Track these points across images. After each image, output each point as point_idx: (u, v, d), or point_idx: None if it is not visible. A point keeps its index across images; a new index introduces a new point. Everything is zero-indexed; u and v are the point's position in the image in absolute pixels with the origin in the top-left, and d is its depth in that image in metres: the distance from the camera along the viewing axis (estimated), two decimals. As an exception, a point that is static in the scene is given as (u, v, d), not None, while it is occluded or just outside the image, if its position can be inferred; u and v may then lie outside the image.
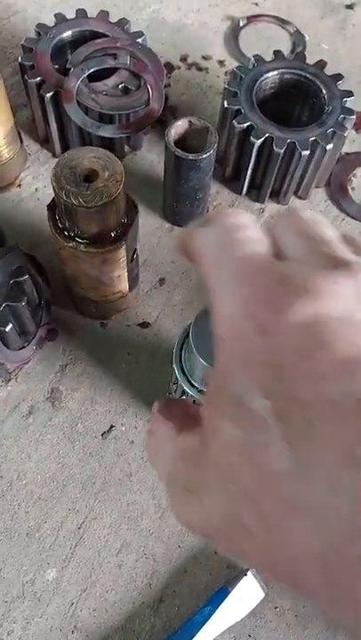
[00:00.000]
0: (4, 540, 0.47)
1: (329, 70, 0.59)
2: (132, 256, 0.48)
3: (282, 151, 0.54)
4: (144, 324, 0.56)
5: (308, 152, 0.54)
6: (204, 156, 0.50)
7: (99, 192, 0.40)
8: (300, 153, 0.54)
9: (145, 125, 0.54)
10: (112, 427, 0.52)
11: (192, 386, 0.40)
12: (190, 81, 0.68)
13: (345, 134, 0.54)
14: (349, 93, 0.56)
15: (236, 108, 0.55)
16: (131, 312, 0.56)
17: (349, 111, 0.55)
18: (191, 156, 0.50)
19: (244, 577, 0.44)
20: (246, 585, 0.44)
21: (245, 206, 0.62)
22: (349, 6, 0.75)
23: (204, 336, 0.37)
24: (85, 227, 0.42)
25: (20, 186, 0.61)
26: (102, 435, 0.51)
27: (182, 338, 0.42)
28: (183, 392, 0.42)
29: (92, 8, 0.70)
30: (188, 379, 0.40)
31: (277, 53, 0.58)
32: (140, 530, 0.48)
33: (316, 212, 0.60)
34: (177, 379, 0.42)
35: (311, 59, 0.69)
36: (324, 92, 0.56)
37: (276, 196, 0.62)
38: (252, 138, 0.54)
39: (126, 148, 0.63)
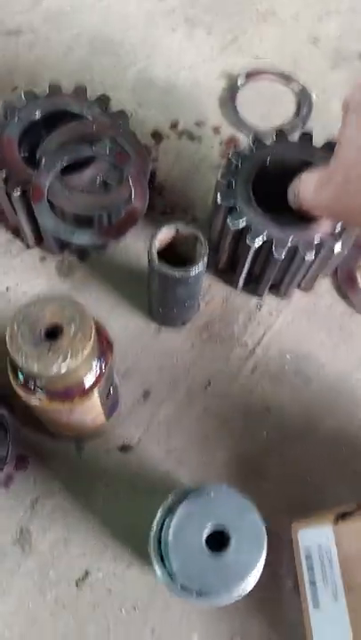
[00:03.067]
0: None
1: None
2: (108, 392, 0.45)
3: (282, 256, 0.50)
4: (125, 448, 0.53)
5: (312, 256, 0.51)
6: (193, 273, 0.47)
7: (63, 354, 0.37)
8: (304, 257, 0.50)
9: (126, 230, 0.51)
10: (87, 573, 0.49)
11: (172, 579, 0.36)
12: (181, 152, 0.65)
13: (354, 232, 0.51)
14: None
15: (231, 205, 0.51)
16: (111, 433, 0.54)
17: None
18: (177, 274, 0.47)
19: None
20: None
21: (241, 300, 0.59)
22: (363, 55, 0.70)
23: (183, 546, 0.34)
24: (49, 385, 0.39)
25: (-12, 284, 0.58)
26: (76, 583, 0.49)
27: (162, 515, 0.38)
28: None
29: (71, 66, 0.66)
30: (165, 568, 0.37)
31: (279, 134, 0.54)
32: None
33: (319, 306, 0.56)
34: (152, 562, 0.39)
35: (319, 120, 0.65)
36: (330, 183, 0.51)
37: (276, 289, 0.59)
38: (248, 241, 0.51)
39: (108, 234, 0.59)
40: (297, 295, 0.60)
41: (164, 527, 0.39)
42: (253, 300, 0.60)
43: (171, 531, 0.35)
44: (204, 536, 0.36)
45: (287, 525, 0.51)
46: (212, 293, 0.60)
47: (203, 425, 0.55)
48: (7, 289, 0.59)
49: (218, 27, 0.74)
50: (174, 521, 0.36)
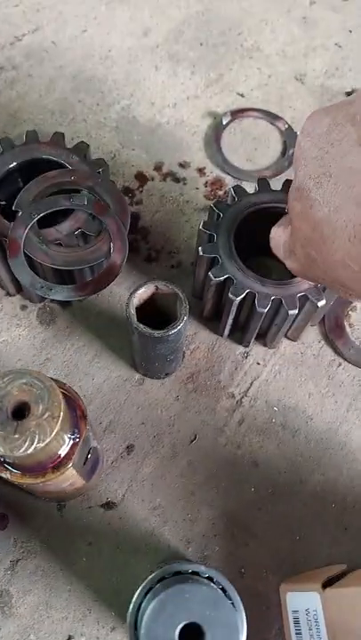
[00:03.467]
0: None
1: None
2: (86, 458, 0.44)
3: (265, 310, 0.49)
4: (108, 505, 0.52)
5: (296, 311, 0.50)
6: (173, 332, 0.46)
7: (30, 435, 0.36)
8: (287, 312, 0.49)
9: (105, 285, 0.50)
10: (70, 637, 0.49)
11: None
12: (165, 195, 0.64)
13: (340, 288, 0.49)
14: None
15: (213, 256, 0.50)
16: (93, 490, 0.53)
17: (345, 261, 0.50)
18: (157, 333, 0.46)
19: None
20: None
21: (228, 349, 0.58)
22: (350, 93, 0.70)
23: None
24: (18, 462, 0.38)
25: (-34, 333, 0.57)
26: (58, 650, 0.47)
27: (140, 596, 0.37)
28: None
29: (53, 104, 0.65)
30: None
31: (261, 182, 0.54)
32: None
33: (307, 356, 0.55)
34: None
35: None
36: (314, 234, 0.50)
37: (263, 338, 0.59)
38: (230, 295, 0.50)
39: (91, 281, 0.58)
40: (284, 344, 0.60)
41: (140, 612, 0.38)
42: (240, 349, 0.59)
43: (143, 626, 0.34)
44: (177, 632, 0.34)
45: (275, 586, 0.50)
46: (196, 342, 0.59)
47: (188, 480, 0.54)
48: (-14, 340, 0.59)
49: (202, 63, 0.73)
50: (147, 615, 0.35)
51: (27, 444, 0.36)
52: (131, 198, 0.65)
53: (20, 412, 0.37)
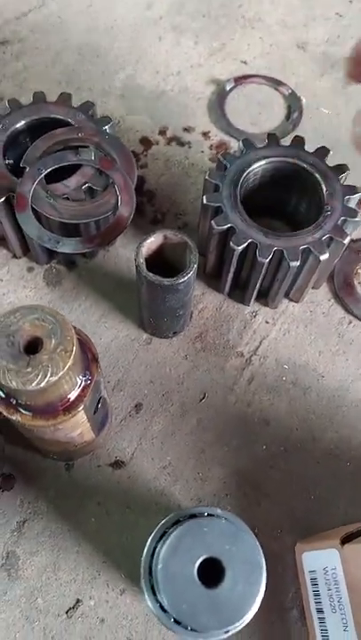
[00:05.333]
0: None
1: (329, 138, 0.51)
2: (97, 407, 0.41)
3: (266, 261, 0.47)
4: (117, 464, 0.49)
5: (297, 263, 0.47)
6: (182, 280, 0.43)
7: (43, 369, 0.33)
8: (289, 263, 0.47)
9: (113, 238, 0.47)
10: (78, 601, 0.44)
11: (164, 611, 0.33)
12: (170, 158, 0.61)
13: (344, 241, 0.47)
14: (353, 190, 0.48)
15: (216, 205, 0.48)
16: (102, 449, 0.49)
17: (352, 212, 0.47)
18: (166, 282, 0.43)
19: None
20: None
21: (236, 309, 0.55)
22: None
23: (173, 575, 0.30)
24: (29, 401, 0.35)
25: (-27, 294, 0.55)
26: (67, 612, 0.44)
27: (154, 541, 0.34)
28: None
29: (59, 74, 0.64)
30: (157, 600, 0.33)
31: (271, 137, 0.51)
32: None
33: (317, 314, 0.53)
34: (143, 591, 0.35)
35: (309, 125, 0.62)
36: (323, 187, 0.48)
37: (265, 297, 0.55)
38: (232, 243, 0.47)
39: (97, 242, 0.56)
40: (292, 303, 0.56)
41: (155, 556, 0.35)
42: (248, 309, 0.55)
43: (160, 561, 0.31)
44: (196, 567, 0.32)
45: (290, 546, 0.46)
46: (204, 302, 0.55)
47: (198, 439, 0.49)
48: (-6, 299, 0.56)
49: (205, 33, 0.70)
50: (163, 550, 0.31)
51: (39, 377, 0.34)
52: (136, 162, 0.60)
53: (33, 347, 0.35)
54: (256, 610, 0.33)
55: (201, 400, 0.51)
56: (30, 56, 0.67)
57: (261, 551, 0.32)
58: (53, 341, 0.33)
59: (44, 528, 0.46)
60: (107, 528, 0.46)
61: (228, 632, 0.33)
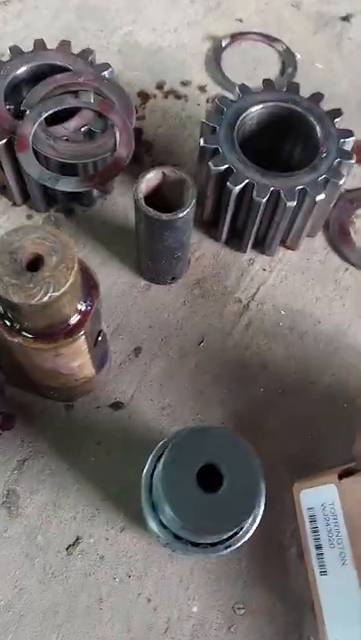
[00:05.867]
0: None
1: (324, 93, 0.51)
2: (97, 339, 0.41)
3: (264, 200, 0.46)
4: (116, 405, 0.48)
5: (294, 203, 0.46)
6: (181, 215, 0.43)
7: (45, 284, 0.33)
8: (285, 203, 0.47)
9: (111, 177, 0.46)
10: (78, 538, 0.44)
11: (164, 527, 0.33)
12: (168, 111, 0.60)
13: (340, 182, 0.46)
14: (348, 133, 0.48)
15: (214, 147, 0.48)
16: (101, 390, 0.48)
17: (347, 154, 0.47)
18: (165, 217, 0.42)
19: None
20: None
21: (233, 256, 0.54)
22: (345, 18, 0.67)
23: (173, 481, 0.30)
24: (31, 322, 0.35)
25: (-29, 242, 0.54)
26: (67, 549, 0.43)
27: (154, 460, 0.34)
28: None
29: (59, 31, 0.63)
30: (158, 518, 0.33)
31: (267, 83, 0.51)
32: (113, 671, 0.41)
33: (313, 262, 0.53)
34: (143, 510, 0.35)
35: (305, 80, 0.62)
36: (318, 130, 0.48)
37: (261, 245, 0.54)
38: (229, 184, 0.47)
39: (95, 192, 0.55)
40: (289, 252, 0.56)
41: (155, 473, 0.35)
42: (245, 256, 0.54)
43: (161, 468, 0.31)
44: (196, 472, 0.32)
45: (288, 487, 0.45)
46: (201, 249, 0.54)
47: (197, 381, 0.49)
48: (-9, 247, 0.56)
49: None
50: (164, 458, 0.31)
51: (41, 292, 0.33)
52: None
53: (35, 265, 0.35)
54: (258, 514, 0.33)
55: (199, 344, 0.51)
56: (30, 15, 0.66)
57: (258, 460, 0.32)
58: (55, 259, 0.33)
59: (44, 467, 0.46)
60: (106, 466, 0.46)
61: (228, 547, 0.33)
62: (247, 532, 0.33)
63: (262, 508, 0.33)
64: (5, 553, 0.43)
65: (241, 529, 0.32)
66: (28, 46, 0.56)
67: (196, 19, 0.66)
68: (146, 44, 0.65)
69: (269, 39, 0.64)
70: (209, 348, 0.50)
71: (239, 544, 0.33)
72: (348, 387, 0.50)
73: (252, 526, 0.33)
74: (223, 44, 0.62)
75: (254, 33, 0.64)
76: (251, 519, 0.32)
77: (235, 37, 0.63)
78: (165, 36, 0.65)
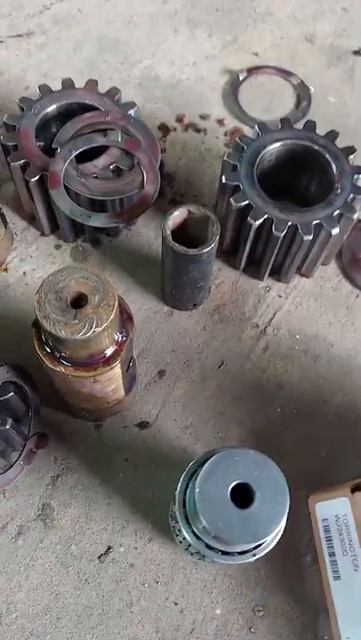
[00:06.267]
0: None
1: (336, 125, 0.55)
2: (129, 365, 0.45)
3: (282, 234, 0.50)
4: (143, 424, 0.52)
5: (310, 237, 0.50)
6: (206, 250, 0.47)
7: (88, 321, 0.37)
8: (303, 237, 0.51)
9: (139, 213, 0.50)
10: (109, 548, 0.48)
11: (197, 538, 0.37)
12: (187, 144, 0.65)
13: (353, 217, 0.51)
14: (362, 170, 0.52)
15: (235, 184, 0.52)
16: (128, 411, 0.53)
17: (360, 190, 0.52)
18: (191, 252, 0.47)
19: None
20: None
21: (250, 285, 0.58)
22: (357, 52, 0.72)
23: (209, 498, 0.34)
24: (73, 352, 0.39)
25: (6, 270, 0.58)
26: (99, 557, 0.48)
27: (186, 477, 0.38)
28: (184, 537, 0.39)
29: (81, 64, 0.67)
30: (192, 528, 0.37)
31: (284, 121, 0.55)
32: (143, 670, 0.45)
33: (326, 289, 0.57)
34: (177, 522, 0.39)
35: (318, 113, 0.66)
36: (333, 167, 0.52)
37: (278, 273, 0.58)
38: (249, 219, 0.51)
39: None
40: (303, 279, 0.60)
41: (189, 488, 0.39)
42: (262, 284, 0.58)
43: (197, 485, 0.34)
44: (230, 490, 0.36)
45: (304, 501, 0.49)
46: (221, 277, 0.59)
47: (217, 402, 0.53)
48: (24, 274, 0.57)
49: (218, 27, 0.73)
50: (200, 476, 0.35)
51: (85, 328, 0.37)
52: None
53: (78, 302, 0.38)
54: (282, 526, 0.37)
55: (219, 367, 0.55)
56: (53, 47, 0.71)
57: (284, 477, 0.36)
58: (97, 297, 0.37)
59: (76, 482, 0.50)
60: (134, 482, 0.50)
61: (255, 556, 0.37)
62: (272, 541, 0.37)
63: (285, 520, 0.37)
64: (42, 562, 0.47)
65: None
66: (51, 79, 0.60)
67: (214, 52, 0.70)
68: (165, 77, 0.69)
69: (284, 73, 0.68)
70: (228, 370, 0.54)
71: (264, 552, 0.37)
72: (359, 407, 0.53)
73: (276, 537, 0.37)
74: (240, 78, 0.67)
75: (270, 67, 0.68)
76: (279, 527, 0.36)
77: (251, 71, 0.67)
78: (184, 70, 0.69)
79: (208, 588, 0.47)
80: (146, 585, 0.47)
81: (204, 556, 0.38)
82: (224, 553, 0.36)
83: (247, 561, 0.36)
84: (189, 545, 0.38)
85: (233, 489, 0.34)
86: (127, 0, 0.75)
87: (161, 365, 0.55)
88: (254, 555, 0.36)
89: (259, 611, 0.47)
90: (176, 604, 0.46)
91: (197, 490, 0.33)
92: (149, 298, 0.57)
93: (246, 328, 0.56)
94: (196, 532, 0.37)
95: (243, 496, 0.34)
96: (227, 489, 0.33)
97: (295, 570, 0.48)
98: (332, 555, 0.46)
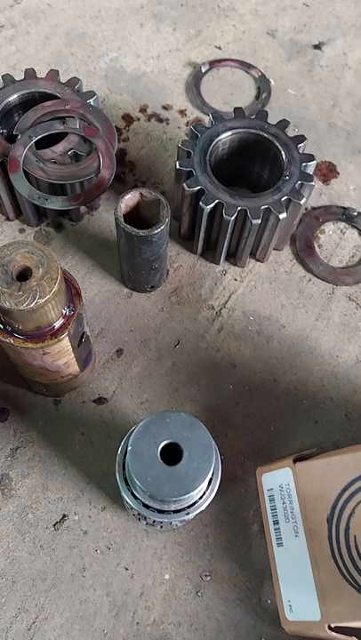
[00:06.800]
0: None
1: (295, 117, 0.58)
2: (80, 340, 0.48)
3: (232, 218, 0.54)
4: (100, 400, 0.55)
5: (259, 221, 0.53)
6: (156, 231, 0.50)
7: (32, 292, 0.39)
8: (252, 221, 0.54)
9: (95, 196, 0.53)
10: (65, 516, 0.51)
11: (135, 498, 0.39)
12: (150, 133, 0.68)
13: (301, 202, 0.54)
14: (310, 157, 0.55)
15: (188, 170, 0.55)
16: (86, 387, 0.56)
17: (308, 177, 0.54)
18: (142, 233, 0.49)
19: None
20: None
21: (207, 269, 0.61)
22: (317, 46, 0.75)
23: (140, 455, 0.37)
24: (21, 324, 0.42)
25: (-31, 253, 0.61)
26: (54, 525, 0.50)
27: (126, 442, 0.41)
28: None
29: (49, 56, 0.70)
30: (130, 490, 0.40)
31: (238, 111, 0.58)
32: (94, 630, 0.47)
33: (280, 273, 0.60)
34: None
35: (277, 105, 0.68)
36: (283, 155, 0.55)
37: (233, 257, 0.61)
38: (201, 203, 0.54)
39: (82, 208, 0.62)
40: (258, 263, 0.64)
41: (127, 455, 0.42)
42: (219, 267, 0.62)
43: (130, 444, 0.37)
44: (159, 450, 0.37)
45: (253, 471, 0.52)
46: (179, 261, 0.62)
47: (172, 379, 0.56)
48: (-13, 258, 0.63)
49: (183, 21, 0.76)
50: (133, 435, 0.37)
51: (29, 299, 0.40)
52: (118, 136, 0.67)
53: (24, 275, 0.41)
54: (215, 487, 0.39)
55: (175, 346, 0.58)
56: (22, 40, 0.74)
57: (212, 438, 0.39)
58: (41, 270, 0.40)
59: (34, 454, 0.53)
60: (90, 454, 0.53)
61: (188, 514, 0.39)
62: (205, 500, 0.39)
63: (218, 480, 0.40)
64: (0, 529, 0.49)
65: (200, 498, 0.39)
66: (20, 70, 0.62)
67: (178, 46, 0.73)
68: (130, 70, 0.72)
69: (246, 65, 0.70)
70: (184, 349, 0.57)
71: (198, 511, 0.40)
72: (307, 385, 0.56)
73: (209, 496, 0.40)
74: (203, 70, 0.70)
75: (232, 60, 0.71)
76: (208, 490, 0.38)
77: (213, 64, 0.70)
78: (148, 62, 0.72)
79: (158, 554, 0.50)
80: (98, 551, 0.50)
81: (145, 517, 0.41)
82: (160, 512, 0.39)
83: (183, 519, 0.39)
84: (132, 507, 0.41)
85: (164, 448, 0.37)
86: (95, -5, 0.78)
87: (119, 344, 0.57)
88: (188, 513, 0.39)
89: (206, 576, 0.49)
90: (127, 569, 0.49)
91: (129, 448, 0.36)
92: (110, 280, 0.60)
93: (202, 309, 0.59)
94: (135, 493, 0.39)
95: (174, 455, 0.37)
96: (157, 448, 0.36)
97: (242, 538, 0.51)
98: (276, 522, 0.49)
